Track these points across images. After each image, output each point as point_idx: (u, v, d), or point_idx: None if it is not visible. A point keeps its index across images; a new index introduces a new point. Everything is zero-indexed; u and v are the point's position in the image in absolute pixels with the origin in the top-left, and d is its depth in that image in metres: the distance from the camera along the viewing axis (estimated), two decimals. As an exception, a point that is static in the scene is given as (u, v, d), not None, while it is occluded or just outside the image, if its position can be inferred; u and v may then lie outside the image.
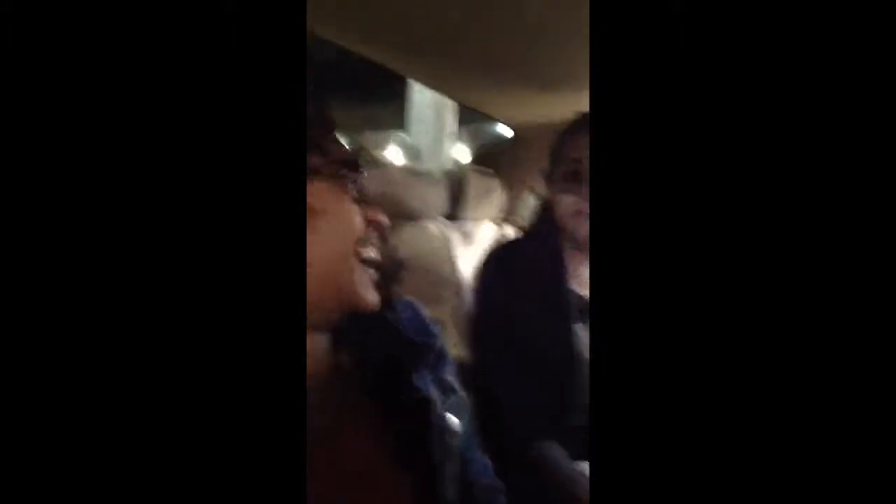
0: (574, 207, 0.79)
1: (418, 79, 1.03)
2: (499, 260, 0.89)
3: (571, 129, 0.85)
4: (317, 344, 0.45)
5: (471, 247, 1.25)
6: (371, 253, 0.43)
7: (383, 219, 0.44)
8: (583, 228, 0.79)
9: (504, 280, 0.84)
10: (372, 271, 0.43)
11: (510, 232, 1.42)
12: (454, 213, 1.23)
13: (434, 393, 0.48)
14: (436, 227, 1.12)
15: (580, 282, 0.83)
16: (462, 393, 0.53)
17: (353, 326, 0.50)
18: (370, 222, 0.43)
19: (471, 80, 1.00)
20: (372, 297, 0.43)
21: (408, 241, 0.99)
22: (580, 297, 0.82)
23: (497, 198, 1.34)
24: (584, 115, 0.85)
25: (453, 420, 0.49)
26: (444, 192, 1.06)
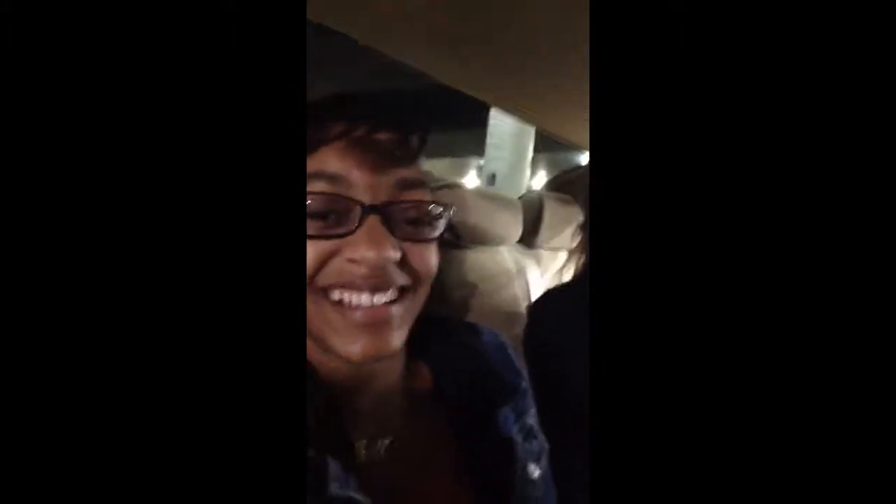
0: None
1: (499, 104, 1.03)
2: (553, 304, 0.79)
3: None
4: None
5: (546, 276, 1.21)
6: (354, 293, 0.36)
7: (390, 255, 0.36)
8: None
9: (558, 328, 0.74)
10: (390, 308, 0.37)
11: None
12: (530, 240, 1.20)
13: (517, 436, 0.45)
14: (509, 253, 1.10)
15: None
16: (542, 438, 0.49)
17: (434, 337, 0.47)
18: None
19: (547, 104, 0.98)
20: (390, 341, 0.37)
21: (479, 265, 0.97)
22: None
23: (575, 226, 1.29)
24: None
25: (535, 469, 0.45)
26: (519, 218, 1.04)
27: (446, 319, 0.51)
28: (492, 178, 4.46)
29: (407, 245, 0.37)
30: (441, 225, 0.40)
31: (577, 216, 1.29)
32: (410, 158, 0.39)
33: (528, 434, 0.47)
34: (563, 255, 1.30)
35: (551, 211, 1.21)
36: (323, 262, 0.36)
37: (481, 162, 5.28)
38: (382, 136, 0.38)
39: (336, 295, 0.36)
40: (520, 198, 1.19)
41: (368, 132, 0.37)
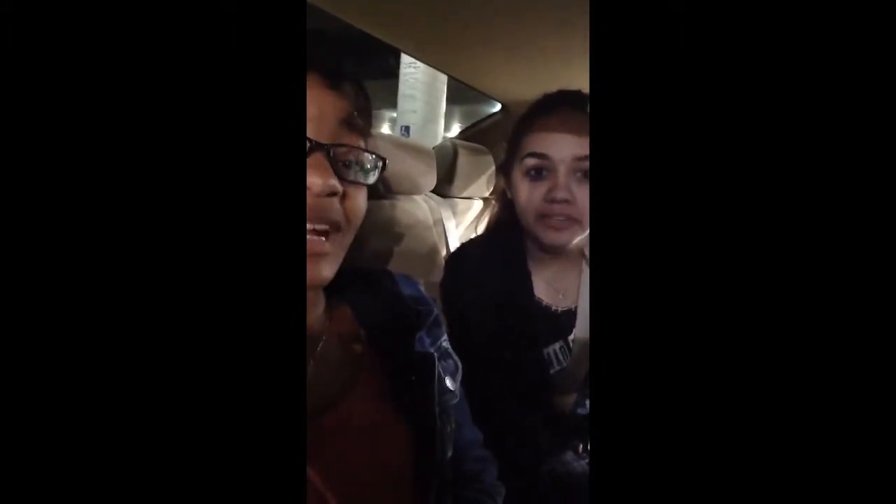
0: (537, 211, 0.69)
1: (408, 50, 1.01)
2: (458, 260, 0.81)
3: (531, 114, 0.74)
4: (312, 298, 0.45)
5: (461, 224, 1.24)
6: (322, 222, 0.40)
7: (335, 184, 0.40)
8: (549, 235, 0.69)
9: (464, 284, 0.77)
10: (323, 240, 0.41)
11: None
12: (444, 189, 1.22)
13: (434, 354, 0.49)
14: (424, 202, 1.11)
15: (545, 289, 0.76)
16: (455, 358, 0.54)
17: (351, 286, 0.51)
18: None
19: (460, 52, 0.98)
20: (320, 271, 0.41)
21: (397, 215, 0.98)
22: (544, 306, 0.76)
23: (489, 175, 1.33)
24: (548, 96, 0.75)
25: (451, 382, 0.51)
26: (433, 166, 1.04)
27: (362, 268, 0.55)
28: (405, 131, 4.40)
29: (343, 185, 0.41)
30: (376, 174, 0.43)
31: (490, 165, 1.33)
32: (351, 104, 0.43)
33: (444, 354, 0.53)
34: (477, 204, 1.33)
35: (465, 159, 1.23)
36: None
37: (394, 114, 5.17)
38: (329, 78, 0.41)
39: None
40: (433, 148, 1.20)
41: (321, 73, 0.41)
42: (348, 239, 0.44)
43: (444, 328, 0.55)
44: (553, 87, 0.77)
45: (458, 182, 1.22)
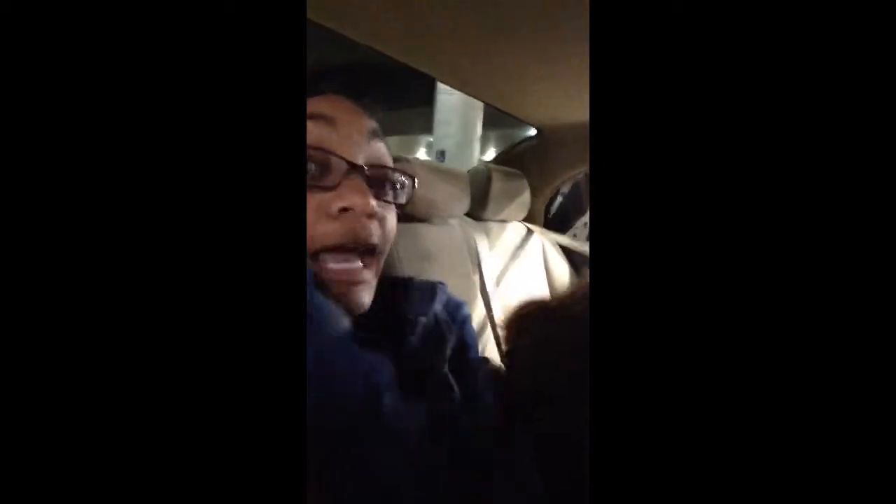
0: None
1: (443, 78, 1.03)
2: None
3: None
4: None
5: (495, 248, 1.24)
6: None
7: (374, 205, 0.39)
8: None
9: None
10: (361, 267, 0.41)
11: (536, 234, 1.40)
12: (478, 213, 1.22)
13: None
14: (458, 225, 1.12)
15: None
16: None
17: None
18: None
19: (495, 79, 0.99)
20: (361, 299, 0.40)
21: (431, 239, 0.99)
22: None
23: (523, 199, 1.32)
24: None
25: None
26: (466, 190, 1.05)
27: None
28: (441, 156, 4.45)
29: (382, 206, 0.41)
30: (406, 194, 0.44)
31: (524, 189, 1.33)
32: (376, 123, 0.43)
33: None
34: (511, 227, 1.33)
35: (499, 183, 1.23)
36: (311, 222, 0.38)
37: (430, 139, 5.25)
38: (357, 98, 0.42)
39: (320, 259, 0.39)
40: (468, 171, 1.21)
41: (350, 94, 0.42)
42: (382, 261, 0.44)
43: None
44: (586, 112, 0.77)
45: (492, 206, 1.22)
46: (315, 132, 0.39)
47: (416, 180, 0.45)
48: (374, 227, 0.40)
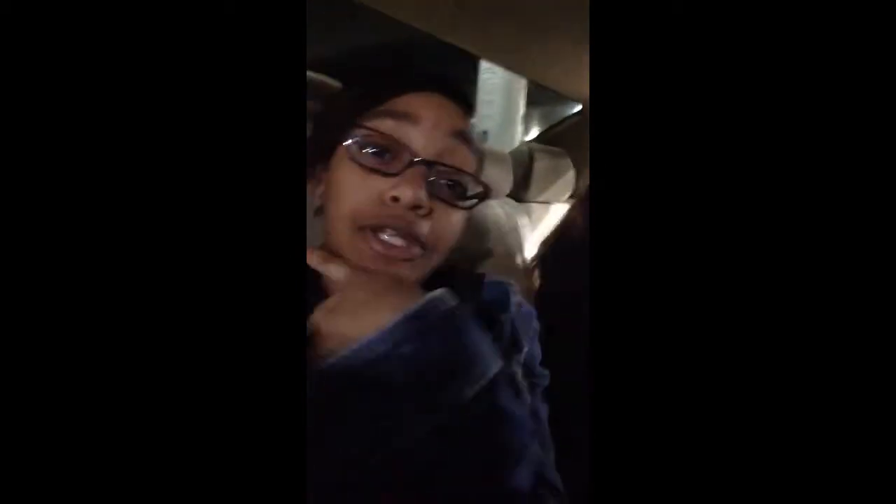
0: None
1: (486, 55, 1.01)
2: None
3: None
4: None
5: (537, 229, 1.21)
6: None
7: (422, 198, 0.39)
8: None
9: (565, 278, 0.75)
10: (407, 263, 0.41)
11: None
12: (520, 194, 1.20)
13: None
14: (500, 207, 1.10)
15: None
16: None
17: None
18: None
19: (537, 54, 0.96)
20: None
21: (472, 221, 0.97)
22: None
23: (567, 178, 1.29)
24: None
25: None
26: (509, 172, 1.03)
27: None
28: (484, 136, 4.40)
29: (437, 204, 0.41)
30: (473, 201, 0.43)
31: (568, 168, 1.29)
32: (466, 121, 0.43)
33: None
34: (553, 208, 1.30)
35: (542, 163, 1.20)
36: (367, 201, 0.40)
37: (473, 120, 5.18)
38: (451, 88, 0.43)
39: (371, 234, 0.40)
40: (509, 152, 1.18)
41: (441, 82, 0.42)
42: (432, 262, 0.43)
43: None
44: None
45: (534, 186, 1.20)
46: (394, 125, 0.40)
47: (490, 191, 0.45)
48: (419, 220, 0.40)
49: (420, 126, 0.40)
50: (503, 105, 4.36)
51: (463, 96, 0.44)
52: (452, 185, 0.42)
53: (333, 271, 0.39)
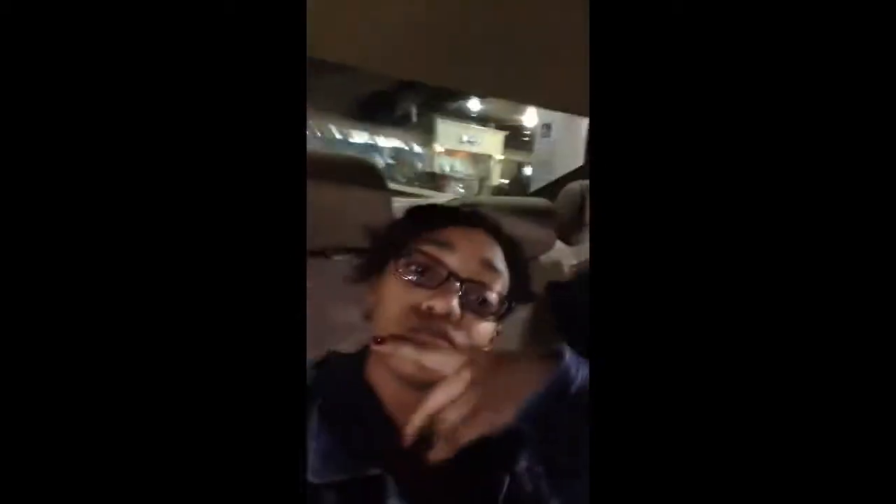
0: None
1: (489, 93, 0.94)
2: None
3: None
4: None
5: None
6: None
7: (453, 309, 0.45)
8: None
9: None
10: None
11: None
12: (571, 237, 1.12)
13: None
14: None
15: None
16: None
17: None
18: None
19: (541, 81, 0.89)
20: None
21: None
22: None
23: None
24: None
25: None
26: (551, 226, 0.96)
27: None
28: (547, 129, 4.25)
29: (467, 315, 0.47)
30: (500, 314, 0.50)
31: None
32: (497, 252, 0.51)
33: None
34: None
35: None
36: (406, 311, 0.46)
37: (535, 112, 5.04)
38: (486, 223, 0.52)
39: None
40: (561, 186, 1.11)
41: (479, 220, 0.52)
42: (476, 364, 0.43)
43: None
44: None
45: (587, 231, 1.11)
46: (436, 251, 0.48)
47: (513, 305, 0.50)
48: (451, 329, 0.45)
49: (457, 254, 0.48)
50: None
51: (494, 229, 0.52)
52: (481, 300, 0.48)
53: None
